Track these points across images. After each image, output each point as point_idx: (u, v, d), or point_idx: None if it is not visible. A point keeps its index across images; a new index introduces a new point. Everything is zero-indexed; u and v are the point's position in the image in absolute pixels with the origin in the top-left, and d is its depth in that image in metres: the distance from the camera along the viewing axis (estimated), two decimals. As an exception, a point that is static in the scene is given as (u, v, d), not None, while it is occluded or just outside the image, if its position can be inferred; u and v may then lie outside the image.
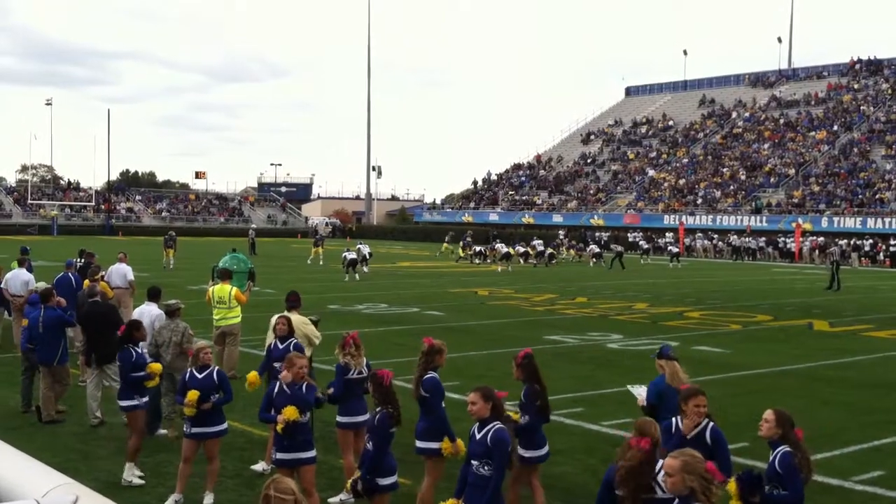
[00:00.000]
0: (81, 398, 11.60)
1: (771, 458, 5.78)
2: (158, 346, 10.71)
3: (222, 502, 8.30)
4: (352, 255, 34.96)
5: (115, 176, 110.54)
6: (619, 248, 48.21)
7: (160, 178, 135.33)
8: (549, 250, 49.17)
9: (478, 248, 49.84)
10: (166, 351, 10.65)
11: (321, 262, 43.52)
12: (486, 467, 5.96)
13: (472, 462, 6.05)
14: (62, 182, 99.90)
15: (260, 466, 9.18)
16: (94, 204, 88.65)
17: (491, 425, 6.05)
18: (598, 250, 50.39)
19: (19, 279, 16.46)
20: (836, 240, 53.48)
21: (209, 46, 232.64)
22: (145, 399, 9.41)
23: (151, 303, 11.99)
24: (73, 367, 12.59)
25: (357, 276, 34.47)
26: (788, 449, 5.72)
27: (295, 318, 10.58)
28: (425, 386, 7.59)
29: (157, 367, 9.54)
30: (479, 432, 6.08)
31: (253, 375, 9.13)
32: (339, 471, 8.65)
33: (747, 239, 60.57)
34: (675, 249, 51.59)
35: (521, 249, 48.40)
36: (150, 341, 10.68)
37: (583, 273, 42.51)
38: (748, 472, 5.60)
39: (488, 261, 47.60)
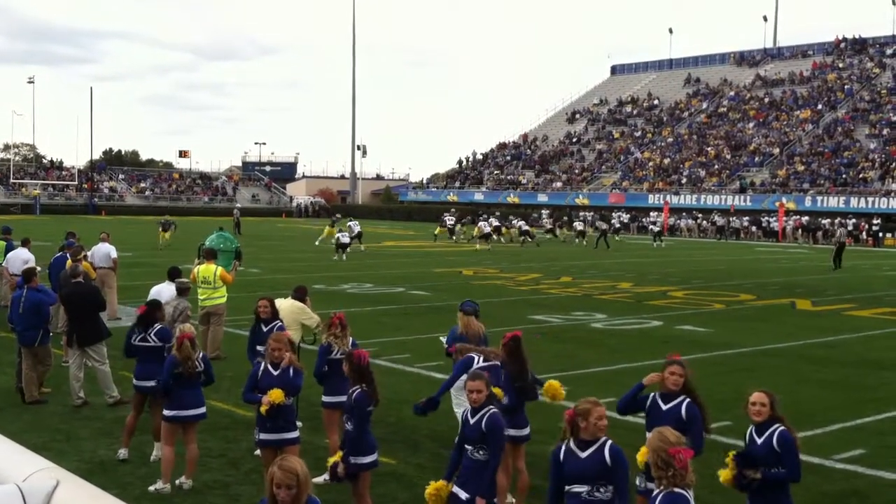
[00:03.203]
0: (65, 379, 11.54)
1: (764, 437, 5.75)
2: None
3: (207, 482, 8.28)
4: (345, 238, 34.85)
5: (97, 155, 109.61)
6: (604, 227, 48.23)
7: (143, 156, 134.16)
8: (526, 227, 48.76)
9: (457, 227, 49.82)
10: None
11: (332, 242, 43.08)
12: (480, 451, 5.97)
13: (467, 447, 6.04)
14: (45, 161, 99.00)
15: None
16: (76, 183, 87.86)
17: (485, 410, 6.04)
18: (581, 229, 50.41)
19: (19, 258, 16.29)
20: (837, 222, 53.56)
21: (197, 25, 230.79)
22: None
23: (171, 283, 12.16)
24: (56, 347, 12.53)
25: (344, 256, 34.39)
26: (786, 428, 5.73)
27: (290, 303, 10.59)
28: None
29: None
30: (472, 417, 6.07)
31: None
32: (325, 451, 8.65)
33: (731, 218, 60.80)
34: (658, 228, 51.64)
35: (496, 223, 47.79)
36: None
37: (567, 252, 42.58)
38: (744, 452, 5.67)
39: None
